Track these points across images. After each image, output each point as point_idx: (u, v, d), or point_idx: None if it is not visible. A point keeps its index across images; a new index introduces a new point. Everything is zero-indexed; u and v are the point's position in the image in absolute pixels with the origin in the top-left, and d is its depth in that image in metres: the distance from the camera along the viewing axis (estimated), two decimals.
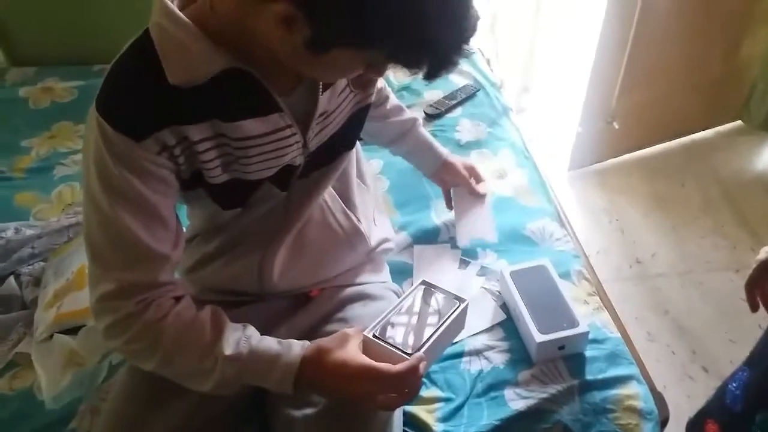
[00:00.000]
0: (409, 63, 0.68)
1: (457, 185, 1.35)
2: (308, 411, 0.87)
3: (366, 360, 0.79)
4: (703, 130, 2.51)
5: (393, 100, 1.28)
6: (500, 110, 1.79)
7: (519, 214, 1.43)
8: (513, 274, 1.18)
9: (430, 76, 0.70)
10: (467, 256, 1.32)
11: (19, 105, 1.84)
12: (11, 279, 1.27)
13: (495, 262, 1.30)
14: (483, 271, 1.28)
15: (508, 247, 1.34)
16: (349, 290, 1.06)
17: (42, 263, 1.31)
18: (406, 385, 0.79)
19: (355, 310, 1.03)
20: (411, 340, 0.86)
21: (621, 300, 1.89)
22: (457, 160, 1.35)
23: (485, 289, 1.24)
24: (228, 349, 0.79)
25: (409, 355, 0.81)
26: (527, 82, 2.62)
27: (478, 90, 1.84)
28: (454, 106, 1.77)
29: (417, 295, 0.94)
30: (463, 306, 0.92)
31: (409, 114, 1.31)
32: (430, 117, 1.73)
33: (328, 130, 0.92)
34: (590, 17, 2.09)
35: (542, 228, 1.39)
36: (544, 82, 2.62)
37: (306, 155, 0.90)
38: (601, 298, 1.23)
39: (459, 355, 1.11)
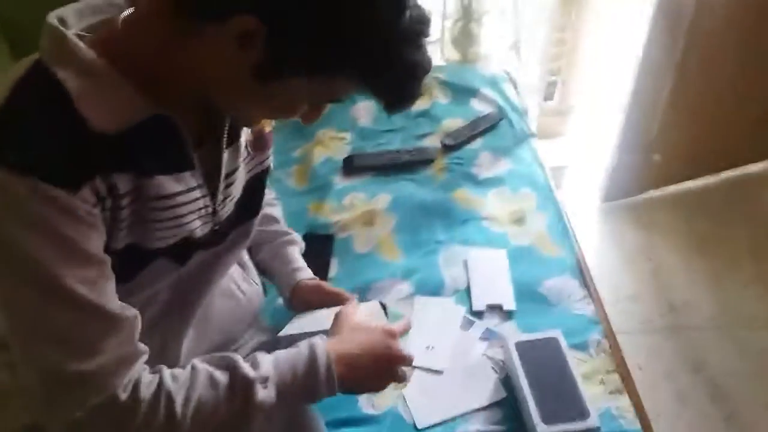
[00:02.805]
0: (372, 91, 0.66)
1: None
2: None
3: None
4: (752, 163, 2.30)
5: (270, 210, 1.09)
6: (523, 140, 1.65)
7: (536, 268, 1.29)
8: (519, 345, 1.05)
9: (390, 107, 0.68)
10: (472, 314, 1.19)
11: None
12: None
13: (502, 325, 1.17)
14: (487, 334, 1.15)
15: (520, 307, 1.21)
16: (249, 345, 0.99)
17: None
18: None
19: None
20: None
21: (650, 354, 1.74)
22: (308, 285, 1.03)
23: (487, 357, 1.11)
24: (251, 372, 0.69)
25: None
26: (562, 106, 2.45)
27: (502, 119, 1.70)
28: (474, 137, 1.64)
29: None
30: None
31: (280, 227, 1.09)
32: (447, 148, 1.60)
33: (233, 196, 0.81)
34: (631, 40, 1.92)
35: (560, 286, 1.25)
36: (581, 106, 2.45)
37: (215, 224, 0.79)
38: (621, 376, 1.09)
39: None
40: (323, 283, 1.03)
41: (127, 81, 0.62)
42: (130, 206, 0.66)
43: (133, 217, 0.67)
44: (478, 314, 1.19)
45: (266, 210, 1.05)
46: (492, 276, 1.27)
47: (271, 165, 0.90)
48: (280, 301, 1.23)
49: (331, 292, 1.00)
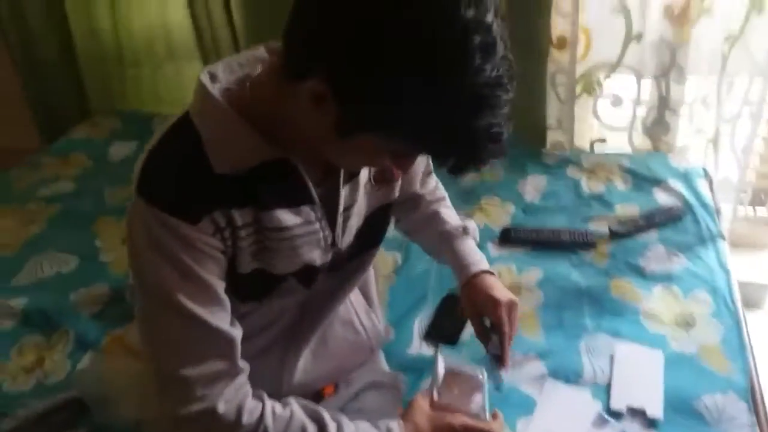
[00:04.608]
0: (436, 154, 0.68)
1: (490, 317, 0.99)
2: None
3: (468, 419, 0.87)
4: None
5: (429, 207, 1.09)
6: (708, 240, 1.48)
7: (696, 379, 1.13)
8: None
9: (456, 170, 0.67)
10: (608, 413, 1.07)
11: None
12: None
13: None
14: None
15: (668, 418, 1.05)
16: (361, 380, 1.04)
17: None
18: None
19: (368, 399, 1.03)
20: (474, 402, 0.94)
21: None
22: (499, 289, 0.99)
23: None
24: None
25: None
26: None
27: (684, 215, 1.55)
28: (649, 228, 1.51)
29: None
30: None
31: (451, 224, 1.07)
32: (614, 235, 1.50)
33: (351, 226, 0.86)
34: None
35: (722, 405, 1.07)
36: None
37: (335, 254, 0.85)
38: None
39: None
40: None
41: (253, 130, 0.70)
42: (250, 236, 0.75)
43: (255, 246, 0.76)
44: (616, 415, 1.06)
45: (430, 208, 1.09)
46: (640, 376, 1.13)
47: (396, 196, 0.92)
48: (410, 351, 1.23)
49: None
